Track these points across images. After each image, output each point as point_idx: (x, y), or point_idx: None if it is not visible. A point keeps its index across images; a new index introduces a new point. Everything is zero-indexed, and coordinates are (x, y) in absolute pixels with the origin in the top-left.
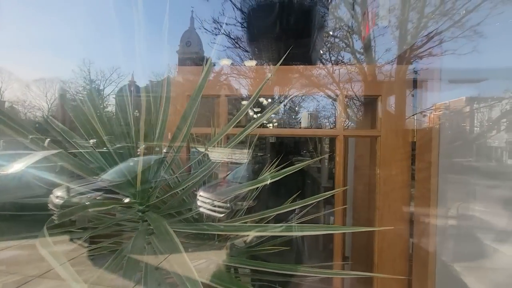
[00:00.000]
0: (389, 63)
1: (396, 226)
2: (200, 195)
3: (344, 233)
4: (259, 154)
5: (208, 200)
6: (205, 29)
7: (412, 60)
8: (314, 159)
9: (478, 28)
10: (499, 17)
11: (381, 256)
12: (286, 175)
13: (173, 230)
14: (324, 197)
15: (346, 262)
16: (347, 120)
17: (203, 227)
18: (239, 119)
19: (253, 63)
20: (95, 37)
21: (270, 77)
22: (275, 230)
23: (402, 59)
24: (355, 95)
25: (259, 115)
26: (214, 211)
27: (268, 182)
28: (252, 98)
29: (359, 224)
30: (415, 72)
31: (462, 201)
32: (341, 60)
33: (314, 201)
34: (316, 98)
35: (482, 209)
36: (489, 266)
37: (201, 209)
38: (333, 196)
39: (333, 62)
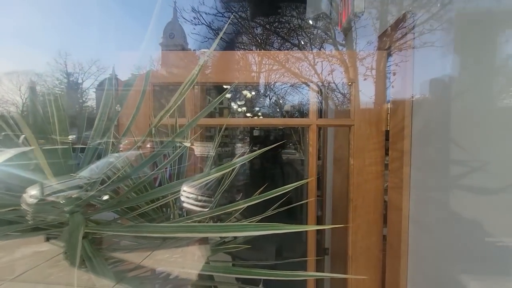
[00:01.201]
0: (365, 50)
1: (369, 217)
2: (183, 190)
3: (323, 224)
4: (239, 145)
5: (190, 195)
6: (184, 18)
7: (390, 51)
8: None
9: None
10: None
11: (355, 248)
12: (270, 168)
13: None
14: (292, 187)
15: (319, 258)
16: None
17: (143, 228)
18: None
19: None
20: (71, 28)
21: (204, 62)
22: (225, 230)
23: (379, 46)
24: (329, 81)
25: (244, 108)
26: (195, 205)
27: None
28: (185, 83)
29: (338, 215)
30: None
31: (435, 190)
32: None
33: (282, 192)
34: (301, 91)
35: (454, 198)
36: (461, 254)
37: (185, 204)
38: (318, 187)
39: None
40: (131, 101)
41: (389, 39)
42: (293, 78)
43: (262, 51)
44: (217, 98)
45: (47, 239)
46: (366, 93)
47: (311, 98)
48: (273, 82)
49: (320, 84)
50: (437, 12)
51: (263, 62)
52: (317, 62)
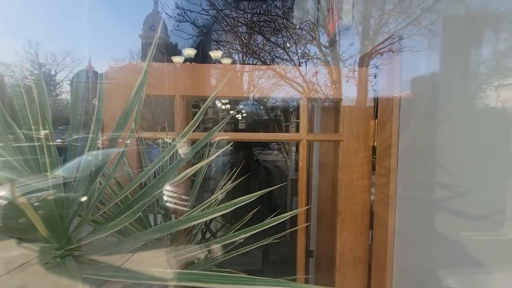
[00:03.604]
0: (351, 66)
1: (356, 230)
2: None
3: (308, 228)
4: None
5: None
6: (168, 14)
7: (373, 58)
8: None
9: (432, 27)
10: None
11: (342, 259)
12: (255, 168)
13: None
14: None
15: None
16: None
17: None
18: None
19: (218, 53)
20: (42, 15)
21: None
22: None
23: (364, 60)
24: (317, 97)
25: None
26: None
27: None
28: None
29: (323, 219)
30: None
31: (420, 207)
32: (307, 56)
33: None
34: (290, 103)
35: (438, 217)
36: (444, 270)
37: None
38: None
39: (299, 57)
40: (109, 95)
41: (373, 49)
42: (283, 92)
43: (251, 65)
44: (201, 109)
45: (19, 243)
46: (355, 110)
47: (301, 113)
48: (264, 99)
49: (302, 96)
50: (417, 18)
51: (252, 76)
52: (305, 76)
